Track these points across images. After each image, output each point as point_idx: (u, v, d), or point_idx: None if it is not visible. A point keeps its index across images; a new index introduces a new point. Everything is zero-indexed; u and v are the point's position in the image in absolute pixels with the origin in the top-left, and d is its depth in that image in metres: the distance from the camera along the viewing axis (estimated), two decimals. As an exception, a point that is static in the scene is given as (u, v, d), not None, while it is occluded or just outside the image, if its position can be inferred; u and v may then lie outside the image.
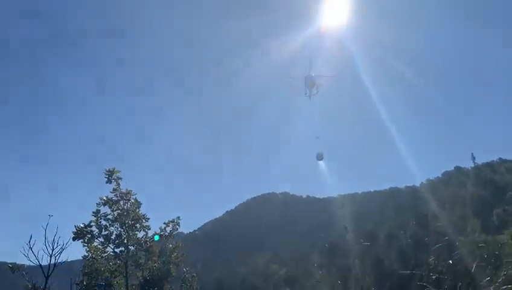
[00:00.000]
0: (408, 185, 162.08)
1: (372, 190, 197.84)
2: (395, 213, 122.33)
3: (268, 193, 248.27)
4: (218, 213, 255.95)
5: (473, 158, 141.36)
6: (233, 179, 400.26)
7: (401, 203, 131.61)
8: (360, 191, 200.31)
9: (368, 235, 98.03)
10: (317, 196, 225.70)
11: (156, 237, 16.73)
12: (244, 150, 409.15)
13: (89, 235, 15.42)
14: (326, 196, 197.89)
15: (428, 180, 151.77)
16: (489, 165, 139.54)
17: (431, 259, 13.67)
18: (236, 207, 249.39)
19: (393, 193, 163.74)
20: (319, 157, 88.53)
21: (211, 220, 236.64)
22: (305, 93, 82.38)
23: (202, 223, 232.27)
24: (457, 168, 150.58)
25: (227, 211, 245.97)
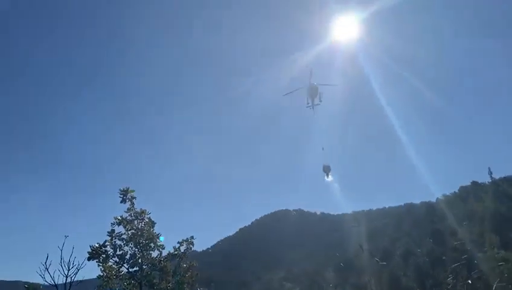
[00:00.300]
0: (424, 200, 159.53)
1: (387, 206, 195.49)
2: (410, 229, 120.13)
3: (282, 210, 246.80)
4: (232, 231, 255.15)
5: (490, 173, 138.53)
6: (246, 196, 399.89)
7: (417, 219, 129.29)
8: (374, 208, 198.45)
9: (383, 252, 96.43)
10: (331, 213, 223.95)
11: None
12: (257, 167, 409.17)
13: (104, 255, 15.34)
14: (340, 213, 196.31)
15: (444, 195, 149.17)
16: (506, 180, 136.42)
17: (449, 278, 13.40)
18: (249, 225, 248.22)
19: (409, 209, 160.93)
20: (326, 170, 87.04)
21: (224, 238, 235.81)
22: (307, 104, 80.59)
23: (215, 241, 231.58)
24: (474, 183, 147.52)
25: (240, 229, 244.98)
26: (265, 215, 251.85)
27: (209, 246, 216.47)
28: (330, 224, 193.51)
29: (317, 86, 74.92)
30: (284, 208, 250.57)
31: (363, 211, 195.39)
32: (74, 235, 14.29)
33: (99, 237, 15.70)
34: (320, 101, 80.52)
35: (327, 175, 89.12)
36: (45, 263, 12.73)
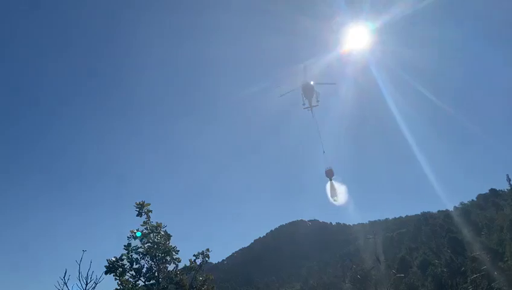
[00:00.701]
0: (441, 209, 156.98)
1: (403, 215, 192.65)
2: (428, 239, 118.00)
3: (297, 221, 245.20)
4: (247, 242, 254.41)
5: (509, 180, 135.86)
6: (261, 207, 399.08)
7: (435, 228, 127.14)
8: (391, 217, 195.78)
9: (400, 262, 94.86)
10: (347, 223, 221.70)
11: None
12: (271, 177, 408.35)
13: (121, 269, 15.51)
14: (356, 223, 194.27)
15: (462, 203, 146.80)
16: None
17: (469, 289, 13.23)
18: (264, 236, 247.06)
19: (426, 217, 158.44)
20: (328, 174, 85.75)
21: (239, 249, 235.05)
22: (303, 104, 78.30)
23: (230, 253, 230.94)
24: (493, 191, 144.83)
25: (255, 240, 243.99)
26: (280, 226, 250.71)
27: (224, 258, 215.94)
28: (346, 234, 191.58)
29: (312, 85, 72.84)
30: (299, 219, 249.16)
31: (379, 220, 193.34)
32: (91, 249, 14.50)
33: (115, 251, 15.92)
34: (318, 101, 78.20)
35: (330, 179, 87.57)
36: (64, 277, 12.97)
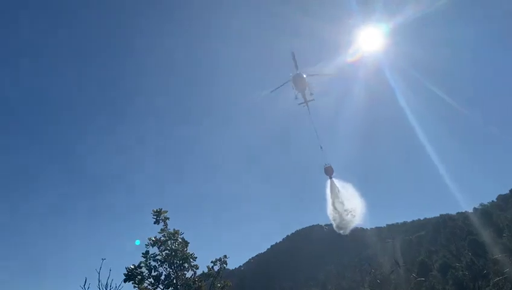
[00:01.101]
0: (460, 211, 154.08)
1: (422, 218, 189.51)
2: (447, 242, 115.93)
3: (313, 225, 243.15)
4: (263, 247, 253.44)
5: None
6: (277, 212, 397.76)
7: (454, 230, 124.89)
8: (409, 220, 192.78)
9: (420, 265, 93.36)
10: (364, 227, 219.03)
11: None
12: (287, 182, 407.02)
13: (140, 276, 15.58)
14: (373, 226, 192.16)
15: (482, 205, 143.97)
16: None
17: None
18: (281, 241, 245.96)
19: (445, 220, 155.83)
20: (328, 171, 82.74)
21: (256, 255, 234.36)
22: (295, 97, 73.71)
23: (247, 258, 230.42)
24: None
25: (272, 245, 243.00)
26: (296, 231, 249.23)
27: (241, 264, 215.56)
28: (363, 238, 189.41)
29: (303, 75, 68.64)
30: (315, 223, 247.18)
31: (397, 223, 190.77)
32: (110, 258, 14.63)
33: (134, 259, 16.02)
34: (311, 94, 73.43)
35: (330, 177, 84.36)
36: (84, 285, 13.12)
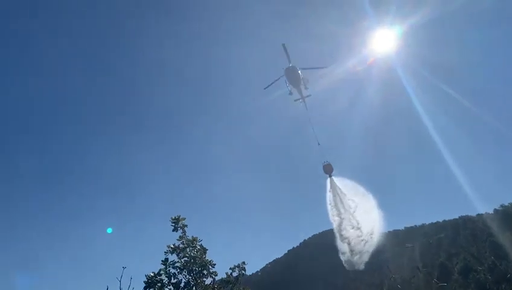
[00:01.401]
0: (480, 212, 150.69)
1: (441, 220, 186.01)
2: (468, 244, 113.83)
3: (330, 229, 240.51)
4: (280, 252, 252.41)
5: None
6: (293, 216, 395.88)
7: (474, 232, 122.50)
8: (427, 222, 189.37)
9: (440, 269, 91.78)
10: (381, 230, 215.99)
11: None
12: (303, 186, 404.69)
13: (159, 284, 15.63)
14: (391, 229, 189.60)
15: (502, 206, 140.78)
16: None
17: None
18: (298, 246, 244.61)
19: (465, 221, 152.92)
20: (327, 169, 77.35)
21: (273, 260, 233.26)
22: (290, 94, 69.27)
23: (264, 264, 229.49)
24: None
25: (289, 250, 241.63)
26: (313, 235, 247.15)
27: (258, 269, 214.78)
28: (382, 241, 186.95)
29: (296, 68, 64.59)
30: (331, 227, 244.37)
31: (416, 226, 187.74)
32: (131, 265, 14.74)
33: (154, 266, 16.09)
34: (306, 88, 69.09)
35: (330, 175, 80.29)
36: (106, 294, 13.22)
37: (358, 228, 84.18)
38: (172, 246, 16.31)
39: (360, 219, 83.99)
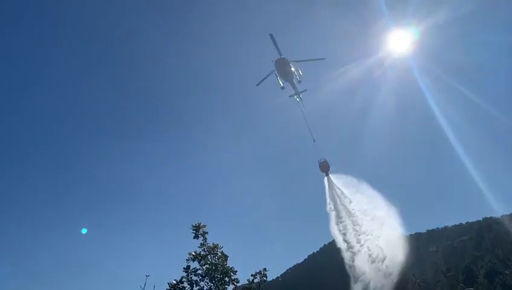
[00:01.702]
0: (505, 213, 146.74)
1: (464, 222, 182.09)
2: (493, 246, 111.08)
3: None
4: (301, 257, 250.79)
5: None
6: (312, 222, 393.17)
7: (499, 234, 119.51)
8: (450, 224, 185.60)
9: (465, 272, 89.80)
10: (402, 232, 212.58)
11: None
12: (322, 190, 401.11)
13: (182, 291, 15.72)
14: (413, 232, 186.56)
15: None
16: None
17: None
18: (318, 251, 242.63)
19: (489, 223, 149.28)
20: (323, 167, 69.65)
21: (293, 266, 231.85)
22: (281, 87, 63.22)
23: (285, 269, 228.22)
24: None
25: (309, 255, 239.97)
26: (333, 240, 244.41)
27: (279, 275, 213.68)
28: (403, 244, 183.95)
29: (287, 60, 57.41)
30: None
31: (438, 229, 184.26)
32: (154, 273, 14.86)
33: (176, 273, 16.19)
34: (299, 81, 62.11)
35: (327, 174, 72.35)
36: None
37: (373, 260, 74.49)
38: (193, 253, 16.39)
39: (370, 227, 73.85)
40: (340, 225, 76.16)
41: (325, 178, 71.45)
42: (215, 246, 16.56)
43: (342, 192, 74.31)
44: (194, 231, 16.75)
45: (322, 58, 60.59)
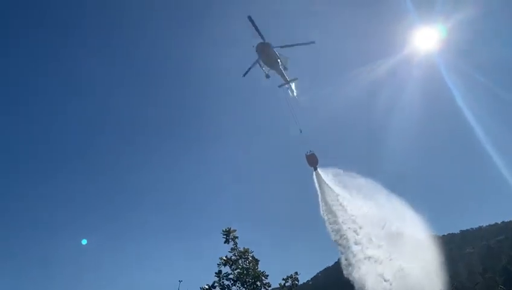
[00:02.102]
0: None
1: (499, 221, 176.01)
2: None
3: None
4: (331, 260, 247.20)
5: None
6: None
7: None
8: (485, 224, 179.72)
9: (503, 273, 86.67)
10: (436, 234, 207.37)
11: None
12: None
13: (214, 296, 15.84)
14: (445, 233, 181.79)
15: None
16: None
17: None
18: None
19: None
20: (311, 161, 63.09)
21: (324, 269, 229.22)
22: (266, 77, 54.33)
23: (315, 273, 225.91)
24: None
25: (339, 258, 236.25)
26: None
27: (309, 278, 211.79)
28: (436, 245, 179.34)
29: (270, 45, 52.26)
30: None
31: (472, 229, 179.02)
32: (187, 278, 15.02)
33: (207, 278, 16.31)
34: (286, 69, 56.72)
35: (315, 168, 64.51)
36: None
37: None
38: (224, 258, 16.48)
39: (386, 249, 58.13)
40: (340, 237, 63.12)
41: (313, 173, 63.30)
42: (246, 251, 16.61)
43: (334, 191, 63.41)
44: (225, 236, 16.88)
45: (312, 42, 56.65)
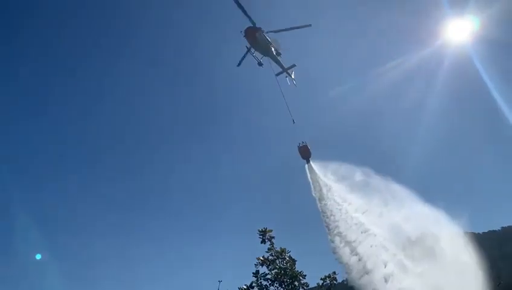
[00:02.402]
0: None
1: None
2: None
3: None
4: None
5: None
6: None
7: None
8: (499, 227, 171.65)
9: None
10: (475, 231, 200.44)
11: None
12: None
13: (252, 296, 16.01)
14: (486, 230, 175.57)
15: None
16: None
17: None
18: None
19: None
20: (303, 153, 57.49)
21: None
22: (259, 64, 49.59)
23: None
24: None
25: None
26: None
27: (344, 278, 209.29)
28: (475, 243, 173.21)
29: (260, 29, 48.01)
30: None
31: (494, 230, 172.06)
32: (226, 279, 15.25)
33: (246, 279, 16.48)
34: (279, 54, 52.80)
35: (308, 161, 60.25)
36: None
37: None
38: (262, 258, 16.61)
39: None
40: (340, 241, 56.22)
41: (306, 166, 59.57)
42: (283, 251, 16.70)
43: (328, 186, 57.93)
44: (261, 236, 17.01)
45: (309, 25, 50.73)
